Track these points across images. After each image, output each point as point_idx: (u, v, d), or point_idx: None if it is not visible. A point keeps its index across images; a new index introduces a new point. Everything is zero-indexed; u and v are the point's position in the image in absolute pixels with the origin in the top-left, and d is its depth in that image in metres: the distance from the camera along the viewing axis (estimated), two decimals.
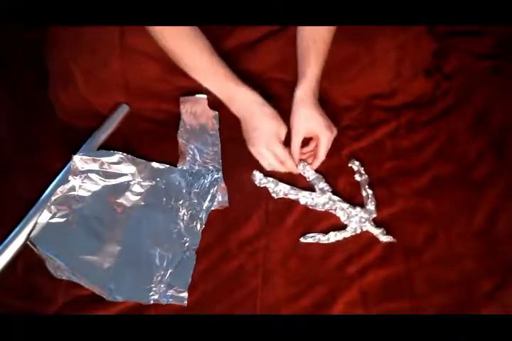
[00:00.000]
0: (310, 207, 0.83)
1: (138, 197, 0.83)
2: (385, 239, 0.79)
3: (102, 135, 0.90)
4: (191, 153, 0.88)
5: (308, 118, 0.84)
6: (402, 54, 0.93)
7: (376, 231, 0.79)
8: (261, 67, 0.92)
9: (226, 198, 0.83)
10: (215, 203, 0.82)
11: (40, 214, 0.79)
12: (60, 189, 0.82)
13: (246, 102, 0.83)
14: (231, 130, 0.88)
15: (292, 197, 0.84)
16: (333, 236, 0.79)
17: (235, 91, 0.83)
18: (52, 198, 0.81)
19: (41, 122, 0.94)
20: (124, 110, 0.92)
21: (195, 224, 0.80)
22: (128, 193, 0.84)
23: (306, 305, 0.74)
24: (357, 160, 0.88)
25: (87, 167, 0.84)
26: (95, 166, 0.84)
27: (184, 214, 0.81)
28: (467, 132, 0.91)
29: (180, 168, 0.86)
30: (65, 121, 0.94)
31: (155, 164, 0.86)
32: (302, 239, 0.79)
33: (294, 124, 0.84)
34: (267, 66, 0.92)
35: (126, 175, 0.85)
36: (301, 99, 0.84)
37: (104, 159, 0.85)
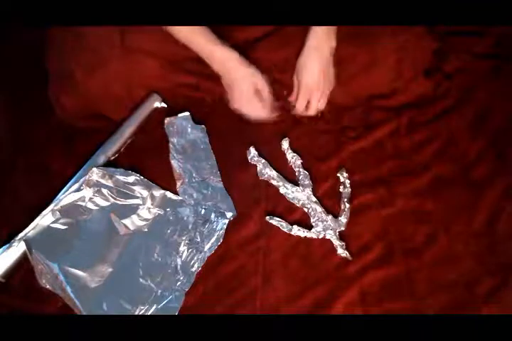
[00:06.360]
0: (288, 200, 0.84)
1: (143, 223, 0.81)
2: (341, 252, 0.78)
3: (131, 126, 0.91)
4: (188, 172, 0.86)
5: (314, 74, 0.86)
6: (402, 54, 0.92)
7: (337, 243, 0.79)
8: (261, 67, 0.91)
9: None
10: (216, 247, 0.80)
11: (43, 217, 0.79)
12: (70, 196, 0.82)
13: (223, 59, 0.86)
14: (226, 132, 0.88)
15: (274, 183, 0.85)
16: (296, 230, 0.80)
17: (214, 50, 0.86)
18: (60, 204, 0.81)
19: (41, 122, 0.94)
20: (154, 99, 0.92)
21: (192, 264, 0.77)
22: (134, 216, 0.82)
23: (306, 305, 0.74)
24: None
25: (102, 181, 0.84)
26: (109, 182, 0.84)
27: (184, 250, 0.78)
28: (467, 132, 0.91)
29: (192, 204, 0.83)
30: (65, 121, 0.94)
31: (169, 193, 0.84)
32: (267, 218, 0.81)
33: (299, 78, 0.87)
34: (267, 66, 0.92)
35: (137, 197, 0.83)
36: (313, 49, 0.86)
37: (120, 177, 0.84)
